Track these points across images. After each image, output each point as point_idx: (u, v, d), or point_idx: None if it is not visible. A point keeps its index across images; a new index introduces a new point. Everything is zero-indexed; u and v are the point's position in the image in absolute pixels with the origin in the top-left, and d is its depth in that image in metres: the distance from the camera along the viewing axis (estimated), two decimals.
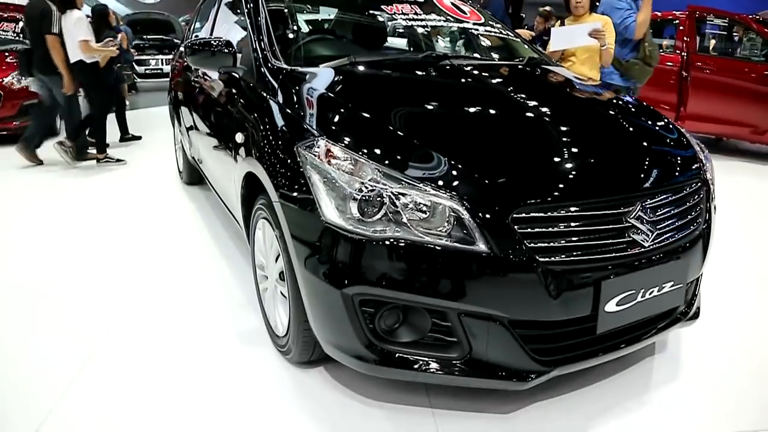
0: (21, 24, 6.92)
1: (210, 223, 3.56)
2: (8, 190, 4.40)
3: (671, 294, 1.74)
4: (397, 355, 1.59)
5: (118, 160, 5.15)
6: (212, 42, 2.37)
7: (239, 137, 2.20)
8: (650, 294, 1.67)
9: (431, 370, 1.58)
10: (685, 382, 1.98)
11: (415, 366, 1.59)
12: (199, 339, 2.23)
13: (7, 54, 6.37)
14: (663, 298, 1.72)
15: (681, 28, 6.07)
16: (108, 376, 1.99)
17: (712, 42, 6.34)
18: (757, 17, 7.35)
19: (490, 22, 2.95)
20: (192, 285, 2.72)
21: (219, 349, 2.16)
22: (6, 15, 7.02)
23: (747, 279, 2.88)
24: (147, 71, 10.81)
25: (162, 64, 11.23)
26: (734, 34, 6.42)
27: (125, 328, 2.30)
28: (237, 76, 2.42)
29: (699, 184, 1.88)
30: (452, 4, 2.92)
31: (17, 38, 6.80)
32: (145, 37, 11.44)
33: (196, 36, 3.92)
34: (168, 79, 11.15)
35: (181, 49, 4.14)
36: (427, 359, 1.59)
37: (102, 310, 2.44)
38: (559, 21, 4.00)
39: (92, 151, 5.19)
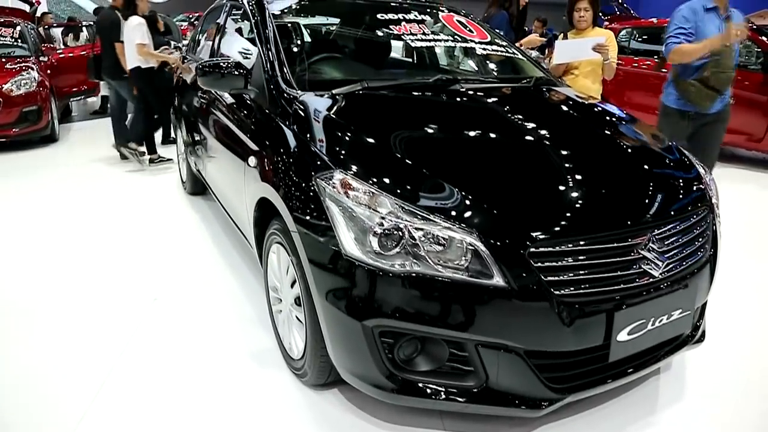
0: (19, 29, 6.89)
1: (215, 236, 3.58)
2: (7, 198, 4.40)
3: (680, 321, 1.79)
4: (415, 383, 1.63)
5: (168, 159, 5.28)
6: (223, 64, 2.39)
7: (252, 161, 2.23)
8: (660, 322, 1.72)
9: (448, 398, 1.63)
10: (691, 402, 2.04)
11: (433, 394, 1.63)
12: (212, 358, 2.26)
13: (4, 60, 6.35)
14: (672, 325, 1.77)
15: None
16: (124, 400, 2.02)
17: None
18: (752, 24, 7.43)
19: (496, 40, 2.99)
20: (202, 302, 2.74)
21: (233, 369, 2.19)
22: (3, 20, 6.98)
23: (751, 292, 2.93)
24: None
25: None
26: None
27: (138, 350, 2.32)
28: (248, 98, 2.45)
29: (706, 210, 1.93)
30: (458, 22, 2.95)
31: (15, 43, 6.77)
32: None
33: (199, 48, 3.94)
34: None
35: (187, 57, 4.16)
36: (444, 387, 1.63)
37: (114, 332, 2.46)
38: (562, 34, 4.04)
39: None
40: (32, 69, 6.20)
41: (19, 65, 6.22)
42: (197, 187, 4.28)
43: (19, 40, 6.82)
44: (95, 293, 2.83)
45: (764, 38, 5.86)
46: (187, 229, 3.73)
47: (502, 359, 1.58)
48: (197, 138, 3.42)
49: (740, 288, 2.96)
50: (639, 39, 7.14)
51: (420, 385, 1.63)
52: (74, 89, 7.77)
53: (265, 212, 2.20)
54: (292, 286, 1.99)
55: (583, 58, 3.69)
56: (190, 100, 3.73)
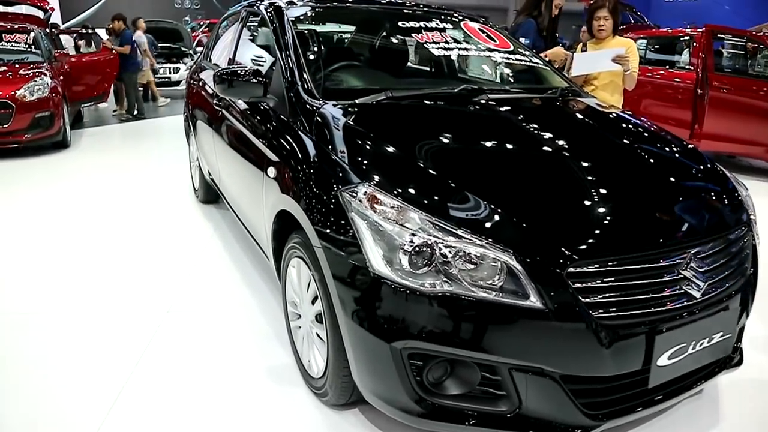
0: (33, 35, 6.90)
1: (229, 246, 3.52)
2: (19, 204, 4.37)
3: (720, 344, 1.71)
4: (444, 408, 1.56)
5: None
6: (241, 72, 2.34)
7: (271, 172, 2.17)
8: (700, 345, 1.64)
9: (479, 424, 1.55)
10: (728, 427, 1.94)
11: (463, 419, 1.55)
12: (228, 373, 2.19)
13: (17, 66, 6.35)
14: (712, 348, 1.69)
15: (696, 45, 6.05)
16: (139, 414, 1.95)
17: (728, 61, 6.31)
18: (762, 32, 7.34)
19: (519, 50, 2.92)
20: (216, 314, 2.68)
21: (249, 385, 2.12)
22: (17, 26, 7.00)
23: None
24: (156, 80, 10.78)
25: (170, 73, 11.21)
26: (746, 52, 6.39)
27: (152, 364, 2.26)
28: (267, 107, 2.39)
29: (746, 229, 1.85)
30: (479, 30, 2.89)
31: (29, 49, 6.78)
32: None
33: (214, 55, 3.90)
34: (175, 87, 11.24)
35: (202, 64, 4.12)
36: (474, 412, 1.55)
37: (127, 344, 2.39)
38: (581, 45, 3.97)
39: None
40: (45, 75, 6.20)
41: (32, 71, 6.22)
42: (210, 195, 4.23)
43: (33, 46, 6.83)
44: (107, 304, 2.78)
45: None
46: (200, 238, 3.68)
47: (536, 384, 1.50)
48: (212, 146, 3.37)
49: None
50: (653, 49, 7.08)
51: (449, 409, 1.55)
52: (86, 95, 7.80)
53: (284, 225, 2.13)
54: (313, 302, 1.92)
55: (603, 69, 3.62)
56: (204, 107, 3.69)
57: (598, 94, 3.59)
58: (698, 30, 6.14)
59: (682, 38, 6.51)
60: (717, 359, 1.78)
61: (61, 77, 6.68)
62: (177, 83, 11.22)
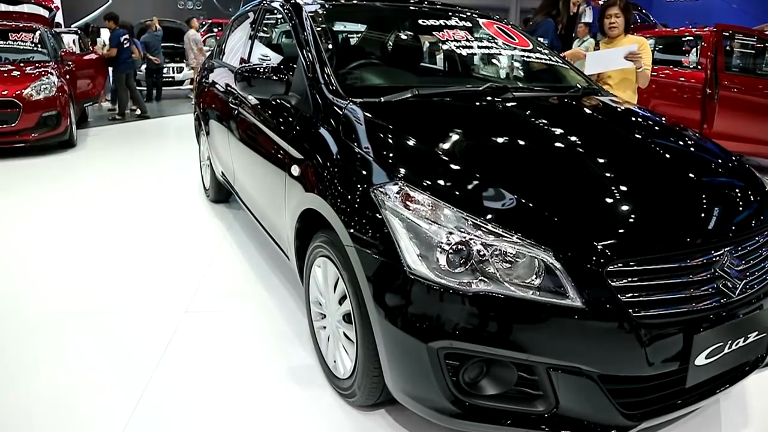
0: (39, 34, 6.88)
1: (243, 246, 3.50)
2: (29, 205, 4.34)
3: (755, 343, 1.69)
4: (479, 408, 1.54)
5: None
6: (262, 69, 2.32)
7: (295, 170, 2.15)
8: (736, 345, 1.62)
9: (515, 424, 1.53)
10: (757, 429, 1.93)
11: (499, 419, 1.53)
12: (248, 375, 2.17)
13: (24, 65, 6.33)
14: (747, 348, 1.67)
15: (705, 45, 6.03)
16: (161, 418, 1.93)
17: (738, 60, 6.30)
18: (766, 31, 7.33)
19: (538, 48, 2.91)
20: (234, 314, 2.66)
21: (271, 387, 2.10)
22: (23, 25, 6.98)
23: None
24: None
25: (174, 72, 11.18)
26: (754, 51, 6.37)
27: (172, 366, 2.23)
28: (289, 104, 2.37)
29: None
30: (500, 29, 2.87)
31: (35, 48, 6.75)
32: None
33: (227, 53, 3.88)
34: (179, 87, 11.19)
35: (213, 63, 4.10)
36: (510, 412, 1.54)
37: (146, 346, 2.37)
38: (593, 43, 3.96)
39: None
40: (51, 74, 6.18)
41: (38, 70, 6.20)
42: (221, 194, 4.21)
43: (39, 45, 6.81)
44: (124, 304, 2.75)
45: None
46: (213, 238, 3.65)
47: (574, 383, 1.48)
48: (226, 145, 3.35)
49: None
50: (659, 49, 7.06)
51: (485, 409, 1.53)
52: (89, 94, 7.81)
53: (308, 224, 2.12)
54: (340, 302, 1.90)
55: (616, 67, 3.61)
56: (216, 105, 3.66)
57: (612, 92, 3.58)
58: (707, 29, 6.13)
59: (690, 38, 6.49)
60: (750, 359, 1.76)
61: (67, 76, 6.66)
62: (180, 83, 11.19)
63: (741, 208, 1.77)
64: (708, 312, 1.55)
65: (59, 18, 13.07)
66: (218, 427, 1.89)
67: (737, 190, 1.85)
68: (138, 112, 8.82)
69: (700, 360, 1.55)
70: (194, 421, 1.92)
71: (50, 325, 2.54)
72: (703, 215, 1.67)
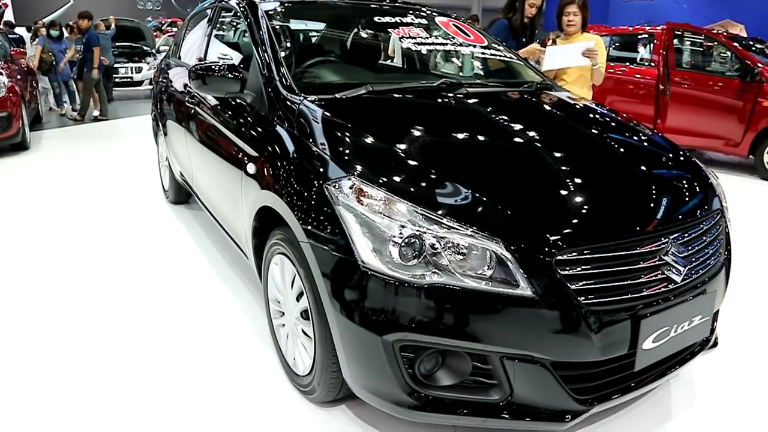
0: None
1: (203, 246, 3.45)
2: None
3: (699, 327, 1.76)
4: (436, 399, 1.55)
5: None
6: (217, 67, 2.29)
7: (251, 168, 2.13)
8: (682, 329, 1.69)
9: (471, 413, 1.55)
10: (702, 408, 2.01)
11: (455, 409, 1.55)
12: (211, 376, 2.14)
13: None
14: (692, 331, 1.74)
15: (657, 42, 6.23)
16: (119, 425, 1.89)
17: (688, 57, 6.53)
18: (724, 31, 7.62)
19: (494, 45, 2.95)
20: (194, 316, 2.62)
21: (235, 387, 2.08)
22: None
23: (753, 294, 2.93)
24: (116, 80, 10.46)
25: (132, 72, 10.90)
26: (703, 49, 6.61)
27: (131, 370, 2.19)
28: (244, 102, 2.35)
29: (720, 214, 1.92)
30: (456, 27, 2.90)
31: None
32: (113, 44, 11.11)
33: (183, 52, 3.81)
34: (137, 87, 10.92)
35: (170, 62, 4.02)
36: (466, 402, 1.56)
37: (103, 350, 2.31)
38: (551, 40, 4.04)
39: None
40: (1, 74, 5.95)
41: None
42: (180, 195, 4.13)
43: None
44: (79, 309, 2.67)
45: (738, 46, 6.00)
46: (173, 239, 3.58)
47: (527, 371, 1.52)
48: (184, 145, 3.29)
49: (743, 289, 2.97)
50: (615, 47, 7.26)
51: (442, 400, 1.55)
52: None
53: (265, 221, 2.10)
54: (298, 299, 1.89)
55: (574, 64, 3.69)
56: (173, 105, 3.60)
57: (569, 88, 3.66)
58: (659, 28, 6.33)
59: (643, 35, 6.69)
60: (696, 342, 1.83)
61: (18, 76, 6.42)
62: (139, 83, 10.92)
63: (686, 199, 1.83)
64: (654, 297, 1.60)
65: (9, 16, 12.60)
66: (181, 428, 1.86)
67: (683, 182, 1.91)
68: (96, 113, 8.58)
69: (648, 344, 1.61)
70: (155, 422, 1.88)
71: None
72: (651, 205, 1.73)
